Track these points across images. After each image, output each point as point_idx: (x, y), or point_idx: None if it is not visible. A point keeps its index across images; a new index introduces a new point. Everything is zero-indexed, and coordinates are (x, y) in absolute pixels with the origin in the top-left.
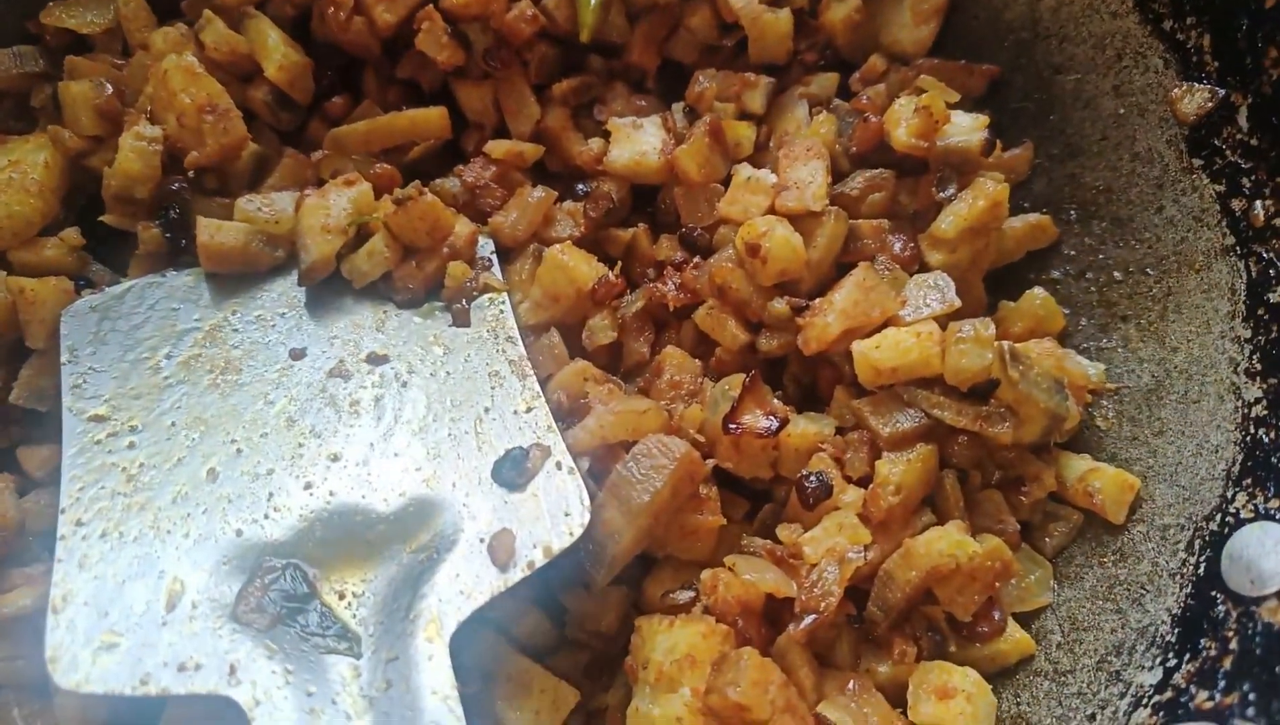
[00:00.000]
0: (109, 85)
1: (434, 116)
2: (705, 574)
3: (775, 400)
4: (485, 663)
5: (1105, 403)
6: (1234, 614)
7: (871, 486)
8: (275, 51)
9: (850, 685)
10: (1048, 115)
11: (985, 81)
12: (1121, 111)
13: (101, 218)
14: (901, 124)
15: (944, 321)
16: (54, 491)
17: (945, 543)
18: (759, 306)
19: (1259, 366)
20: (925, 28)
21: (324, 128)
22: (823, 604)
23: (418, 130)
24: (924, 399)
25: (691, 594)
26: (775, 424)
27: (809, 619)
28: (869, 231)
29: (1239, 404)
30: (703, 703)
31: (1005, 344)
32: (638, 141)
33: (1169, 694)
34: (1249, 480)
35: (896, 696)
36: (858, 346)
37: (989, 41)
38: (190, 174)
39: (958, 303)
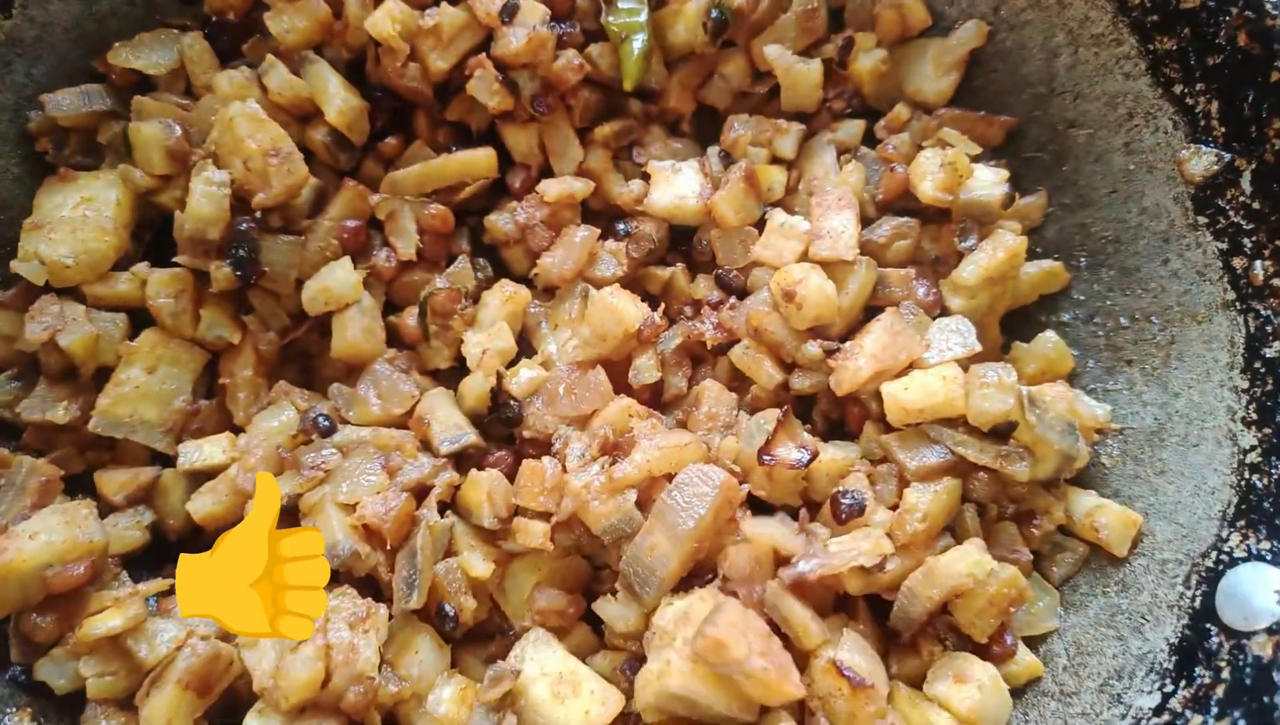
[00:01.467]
0: (177, 126)
1: (483, 159)
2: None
3: (806, 434)
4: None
5: (1110, 442)
6: (1227, 646)
7: (899, 512)
8: (335, 96)
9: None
10: (1061, 166)
11: (1003, 132)
12: (1131, 167)
13: (175, 260)
14: (927, 178)
15: (965, 363)
16: (132, 514)
17: (965, 563)
18: (793, 348)
19: (1255, 416)
20: (947, 79)
21: (378, 166)
22: (819, 561)
23: (468, 172)
24: (949, 437)
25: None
26: (807, 456)
27: (802, 566)
28: (896, 280)
29: (1235, 450)
30: (691, 645)
31: (1025, 389)
32: (677, 185)
33: (1166, 717)
34: (1242, 522)
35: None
36: (888, 388)
37: (1007, 94)
38: (258, 214)
39: (978, 347)
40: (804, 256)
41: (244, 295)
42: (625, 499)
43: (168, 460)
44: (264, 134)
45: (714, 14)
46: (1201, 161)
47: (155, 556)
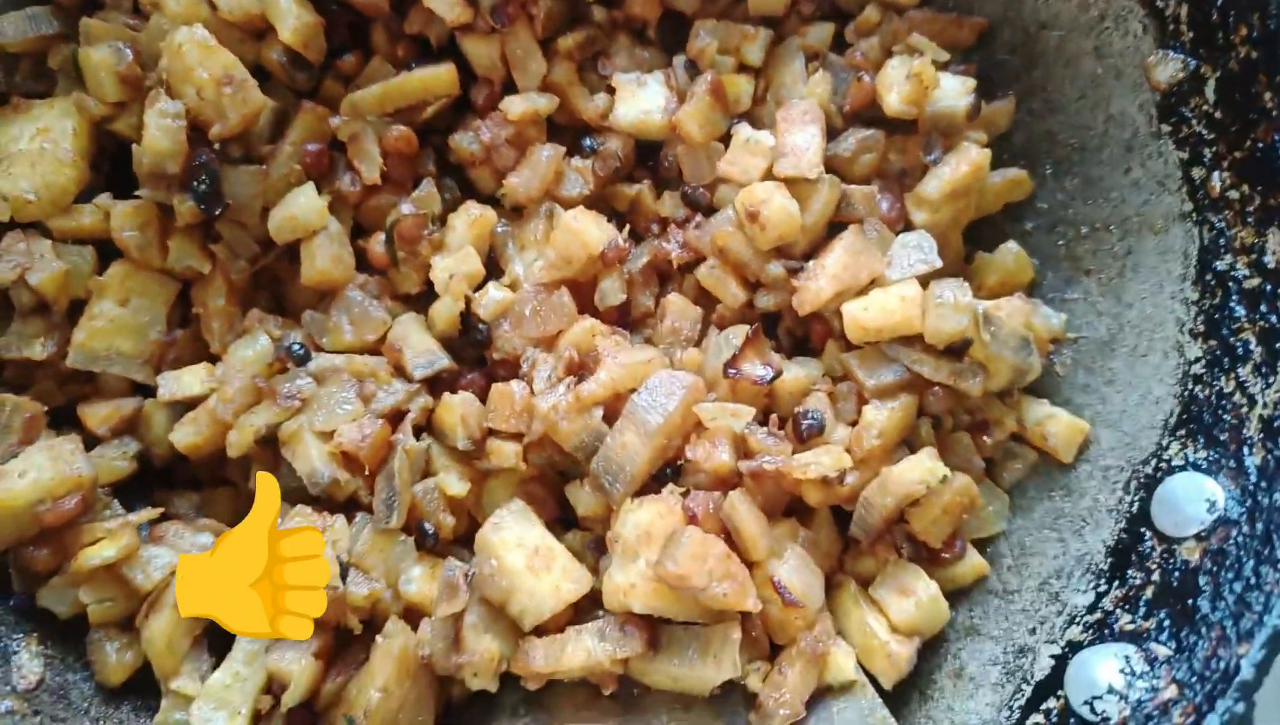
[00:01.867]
0: (129, 50)
1: (444, 76)
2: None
3: (772, 352)
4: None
5: (1065, 351)
6: (1158, 550)
7: (856, 428)
8: (288, 14)
9: (800, 536)
10: (1031, 70)
11: (975, 34)
12: (1100, 72)
13: (137, 194)
14: (894, 89)
15: (925, 280)
16: (118, 445)
17: (918, 472)
18: (757, 268)
19: (1202, 328)
20: None
21: (338, 85)
22: (781, 460)
23: (429, 90)
24: (905, 355)
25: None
26: (770, 373)
27: (765, 461)
28: (860, 198)
29: (1181, 361)
30: (653, 572)
31: (981, 306)
32: (642, 100)
33: (1098, 615)
34: (1183, 432)
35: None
36: (848, 308)
37: None
38: (216, 145)
39: (939, 264)
40: (769, 173)
41: (211, 225)
42: (592, 416)
43: (148, 390)
44: (215, 61)
45: None
46: (1168, 68)
47: (143, 483)
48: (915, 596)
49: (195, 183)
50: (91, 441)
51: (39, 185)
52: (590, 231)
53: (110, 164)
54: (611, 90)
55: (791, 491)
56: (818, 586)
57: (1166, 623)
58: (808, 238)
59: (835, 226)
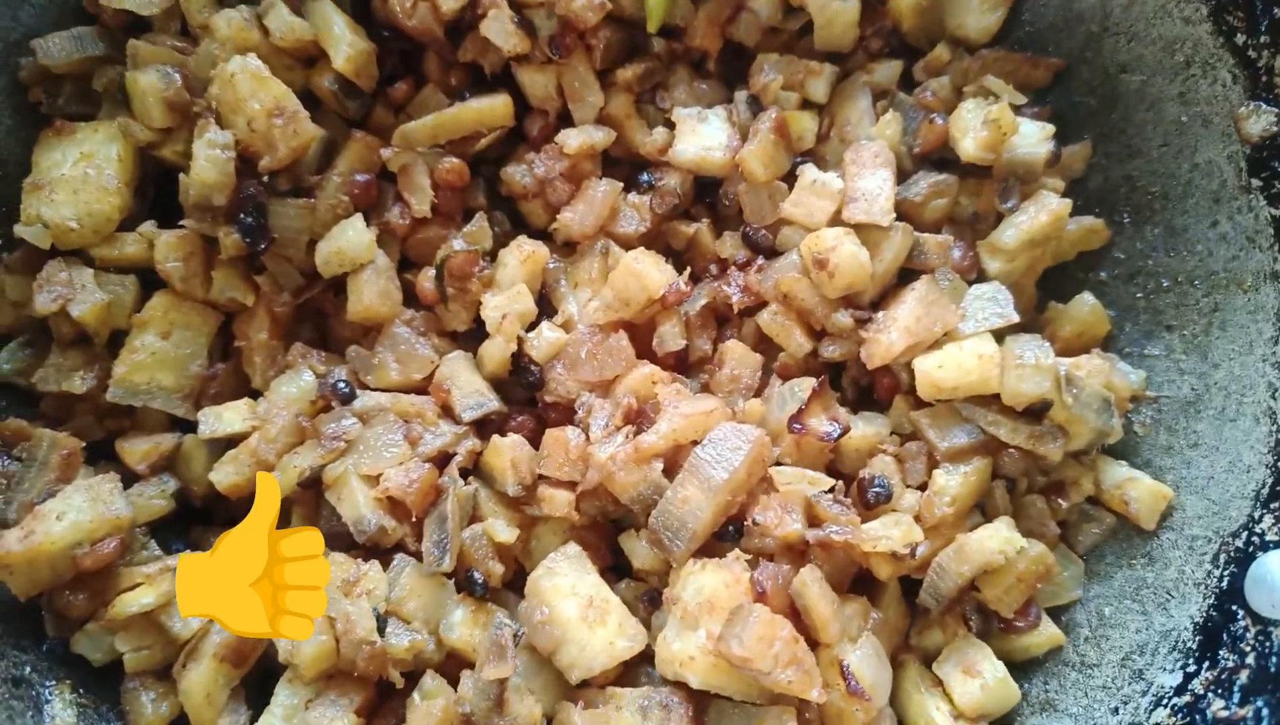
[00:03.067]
0: (177, 75)
1: (499, 107)
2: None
3: (839, 407)
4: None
5: (1144, 410)
6: (1253, 631)
7: (927, 494)
8: (341, 41)
9: (871, 618)
10: (1109, 113)
11: (1050, 75)
12: (1184, 120)
13: (181, 223)
14: (969, 135)
15: (1000, 334)
16: (156, 483)
17: (996, 541)
18: (823, 317)
19: None
20: (993, 15)
21: (388, 113)
22: (851, 531)
23: (484, 121)
24: (981, 416)
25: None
26: (838, 431)
27: (833, 530)
28: (934, 246)
29: (1273, 428)
30: (714, 647)
31: (1062, 367)
32: (703, 136)
33: (1188, 698)
34: (1276, 504)
35: None
36: (920, 364)
37: (1057, 31)
38: (265, 177)
39: (1016, 318)
40: (836, 217)
41: (256, 256)
42: (652, 468)
43: (187, 425)
44: (267, 92)
45: None
46: (1260, 121)
47: (182, 522)
48: (981, 678)
49: (242, 216)
50: (129, 478)
51: (82, 213)
52: (651, 274)
53: (154, 190)
54: (670, 124)
55: (860, 563)
56: (886, 679)
57: (1265, 711)
58: (877, 286)
59: (904, 274)
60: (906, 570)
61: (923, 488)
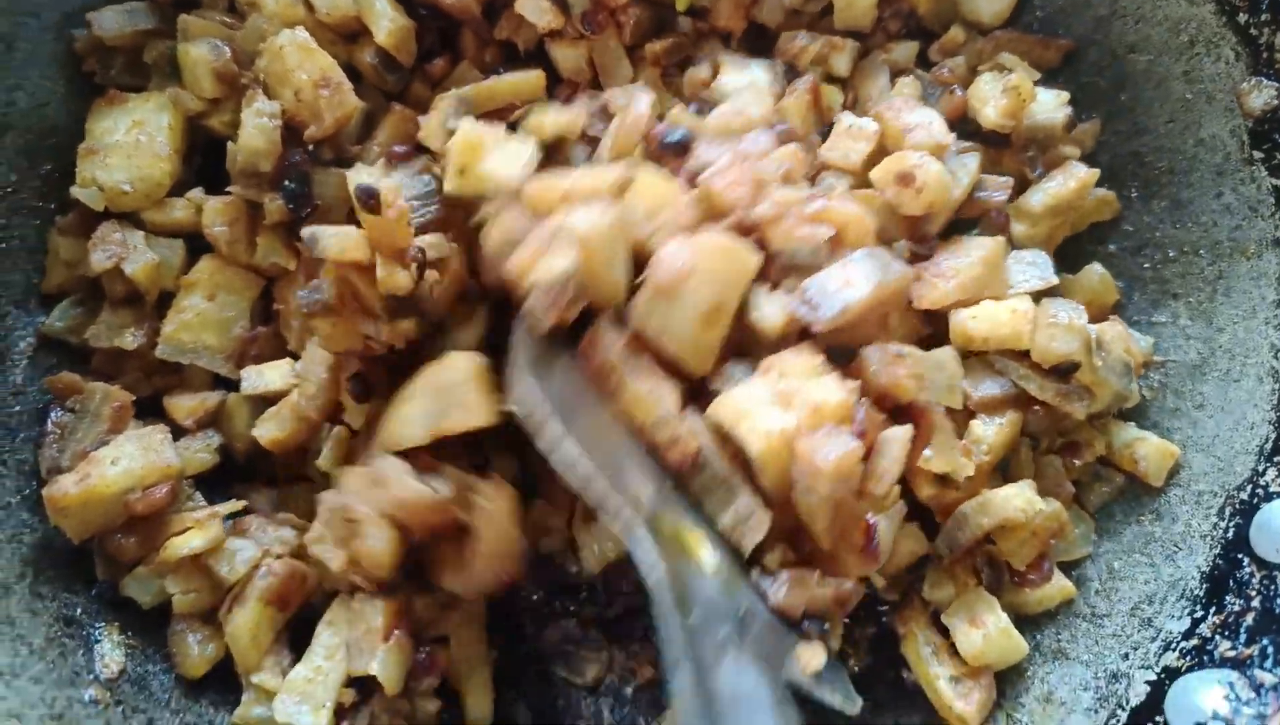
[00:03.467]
0: (226, 48)
1: (533, 81)
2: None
3: None
4: None
5: (1152, 374)
6: (1258, 576)
7: (964, 442)
8: (383, 16)
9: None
10: (1118, 92)
11: (1060, 55)
12: (1189, 97)
13: (228, 190)
14: (989, 103)
15: (1037, 296)
16: (202, 437)
17: (1021, 500)
18: (889, 236)
19: None
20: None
21: (426, 87)
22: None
23: (517, 94)
24: (1013, 370)
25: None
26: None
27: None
28: (993, 185)
29: (1276, 387)
30: (795, 439)
31: (1092, 330)
32: (750, 71)
33: (1195, 641)
34: None
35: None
36: (955, 313)
37: (1066, 14)
38: (309, 146)
39: (1055, 281)
40: (871, 161)
41: (298, 223)
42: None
43: (230, 385)
44: (313, 64)
45: None
46: (1262, 95)
47: (222, 477)
48: (985, 629)
49: (286, 182)
50: (176, 433)
51: (134, 177)
52: None
53: (200, 159)
54: (693, 101)
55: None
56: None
57: (1271, 650)
58: (948, 213)
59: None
60: (938, 502)
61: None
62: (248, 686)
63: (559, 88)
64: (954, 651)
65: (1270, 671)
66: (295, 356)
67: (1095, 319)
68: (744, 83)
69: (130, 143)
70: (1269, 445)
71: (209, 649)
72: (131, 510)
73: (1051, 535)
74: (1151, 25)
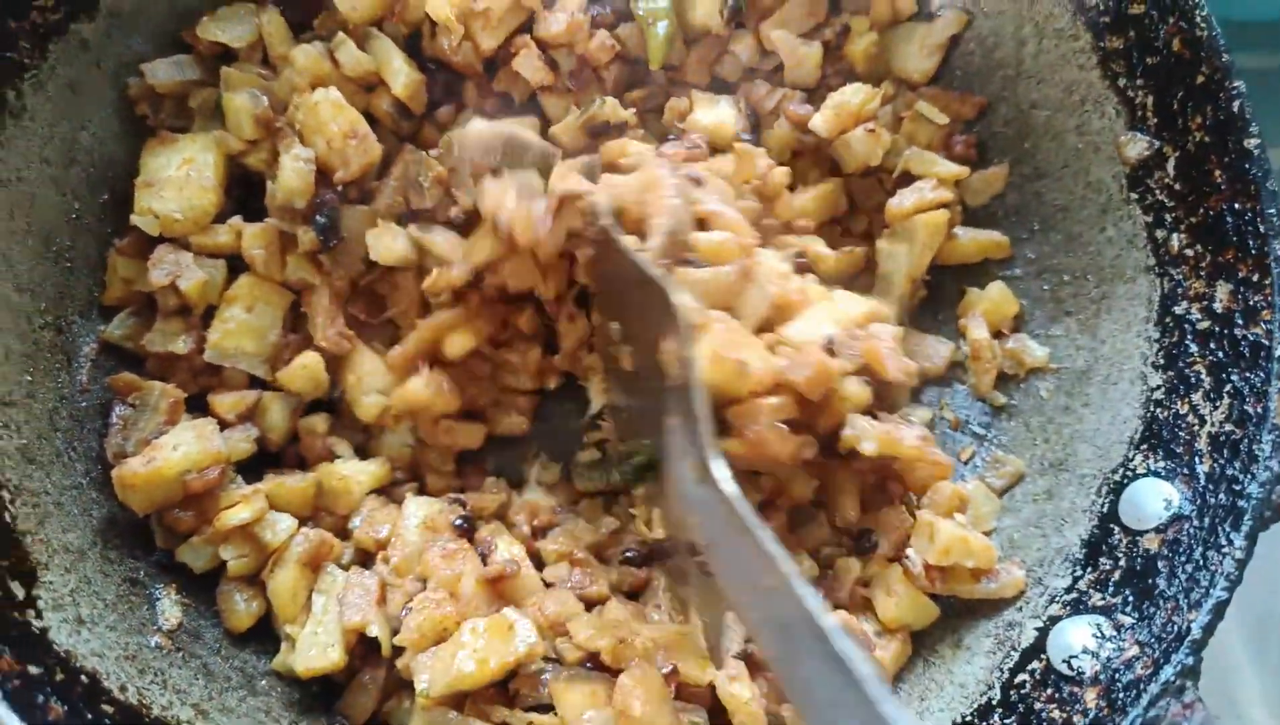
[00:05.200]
0: (264, 97)
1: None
2: None
3: None
4: None
5: (1049, 379)
6: (1124, 541)
7: None
8: (399, 72)
9: None
10: (1023, 141)
11: (975, 110)
12: (1080, 146)
13: (266, 221)
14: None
15: None
16: (243, 430)
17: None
18: None
19: (1162, 361)
20: (930, 60)
21: (434, 131)
22: None
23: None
24: None
25: None
26: None
27: None
28: None
29: (1145, 388)
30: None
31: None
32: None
33: (1074, 595)
34: (1145, 446)
35: None
36: None
37: (981, 74)
38: (339, 187)
39: None
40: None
41: (325, 250)
42: None
43: (264, 383)
44: (344, 118)
45: (730, 1)
46: (1136, 146)
47: (259, 463)
48: (897, 597)
49: (318, 217)
50: (221, 425)
51: (185, 206)
52: None
53: (240, 190)
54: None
55: None
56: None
57: (1130, 598)
58: None
59: None
60: None
61: None
62: (285, 638)
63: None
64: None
65: (1129, 615)
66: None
67: (995, 328)
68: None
69: (181, 177)
70: (1137, 436)
71: (253, 606)
72: (189, 488)
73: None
74: (1050, 86)
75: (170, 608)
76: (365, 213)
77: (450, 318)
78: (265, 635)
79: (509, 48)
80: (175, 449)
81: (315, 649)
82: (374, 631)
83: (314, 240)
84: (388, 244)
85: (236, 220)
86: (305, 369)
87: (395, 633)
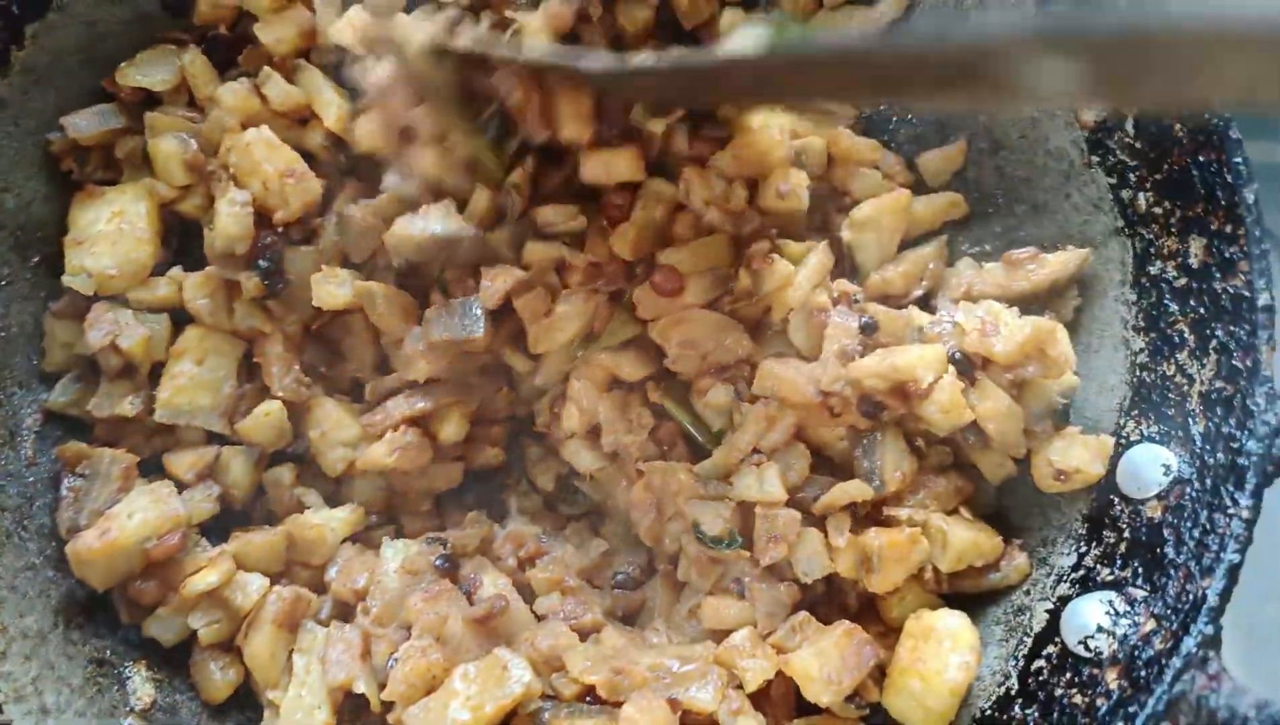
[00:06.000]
0: (192, 140)
1: None
2: None
3: None
4: None
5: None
6: (1126, 512)
7: None
8: (330, 104)
9: None
10: (978, 115)
11: None
12: (1036, 115)
13: (208, 269)
14: None
15: None
16: (203, 488)
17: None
18: None
19: (1142, 323)
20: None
21: (373, 163)
22: None
23: None
24: None
25: None
26: None
27: None
28: None
29: (1128, 352)
30: None
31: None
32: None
33: (1081, 572)
34: (1136, 412)
35: None
36: None
37: None
38: (280, 229)
39: None
40: None
41: (272, 295)
42: None
43: (222, 438)
44: (279, 157)
45: None
46: (1093, 110)
47: (224, 523)
48: (903, 599)
49: (260, 262)
50: (179, 487)
51: (120, 261)
52: None
53: (177, 239)
54: None
55: None
56: None
57: (1140, 570)
58: None
59: None
60: None
61: None
62: (267, 705)
63: None
64: None
65: (1140, 588)
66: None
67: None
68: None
69: (113, 231)
70: (1126, 402)
71: (229, 674)
72: (149, 557)
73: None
74: None
75: (142, 685)
76: (310, 253)
77: (438, 401)
78: (246, 704)
79: None
80: (131, 517)
81: (301, 713)
82: (360, 688)
83: (259, 286)
84: (331, 291)
85: (176, 271)
86: (268, 417)
87: (383, 686)
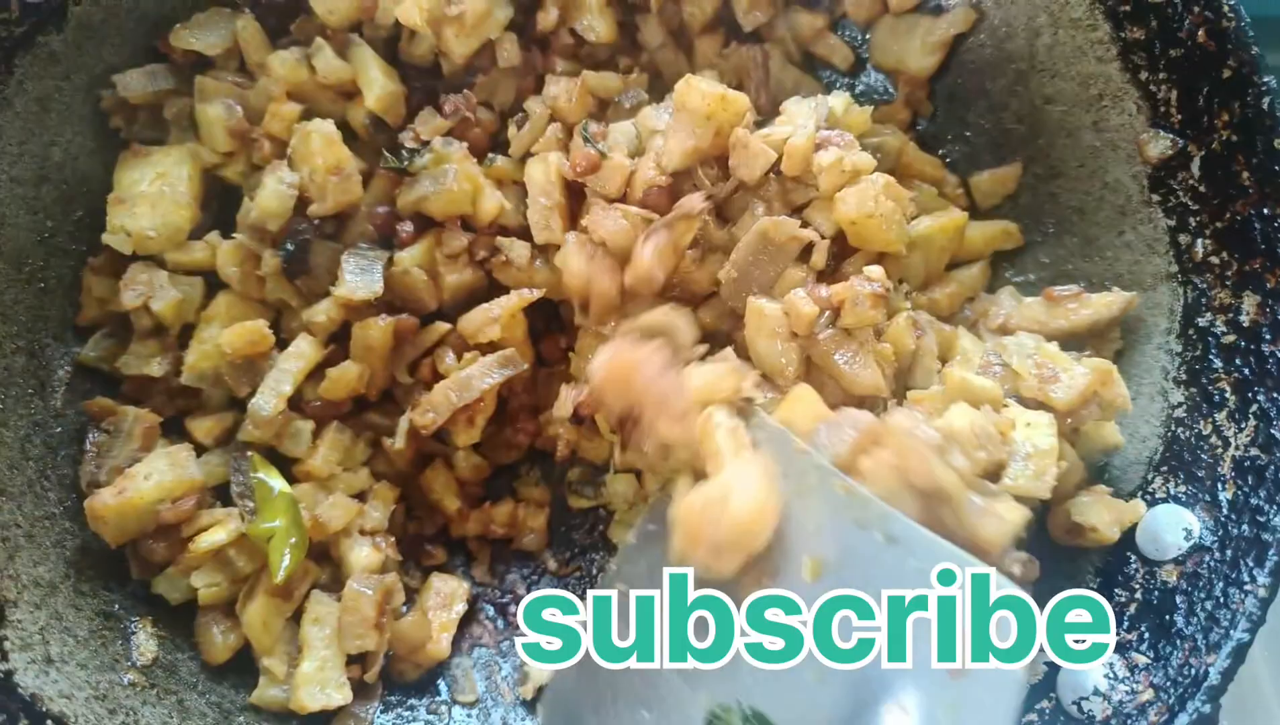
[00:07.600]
0: (238, 107)
1: None
2: None
3: None
4: None
5: None
6: (1141, 572)
7: None
8: (375, 83)
9: None
10: (1036, 139)
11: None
12: (1098, 145)
13: (234, 235)
14: None
15: None
16: (221, 453)
17: None
18: None
19: (1184, 377)
20: (932, 57)
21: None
22: None
23: None
24: None
25: None
26: None
27: None
28: None
29: (1165, 405)
30: None
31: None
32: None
33: None
34: (1165, 468)
35: None
36: None
37: (992, 67)
38: (315, 221)
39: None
40: None
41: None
42: None
43: (242, 404)
44: (332, 154)
45: None
46: (1159, 145)
47: None
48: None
49: (287, 245)
50: (199, 449)
51: (159, 223)
52: None
53: (217, 203)
54: None
55: None
56: None
57: (1146, 634)
58: None
59: None
60: None
61: None
62: (263, 671)
63: None
64: None
65: (1144, 653)
66: None
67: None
68: None
69: (155, 192)
70: (1157, 457)
71: (230, 638)
72: (162, 520)
73: None
74: (1065, 80)
75: (146, 641)
76: (334, 250)
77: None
78: (245, 668)
79: (485, 56)
80: (147, 478)
81: (325, 689)
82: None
83: (277, 266)
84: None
85: (214, 236)
86: None
87: None
